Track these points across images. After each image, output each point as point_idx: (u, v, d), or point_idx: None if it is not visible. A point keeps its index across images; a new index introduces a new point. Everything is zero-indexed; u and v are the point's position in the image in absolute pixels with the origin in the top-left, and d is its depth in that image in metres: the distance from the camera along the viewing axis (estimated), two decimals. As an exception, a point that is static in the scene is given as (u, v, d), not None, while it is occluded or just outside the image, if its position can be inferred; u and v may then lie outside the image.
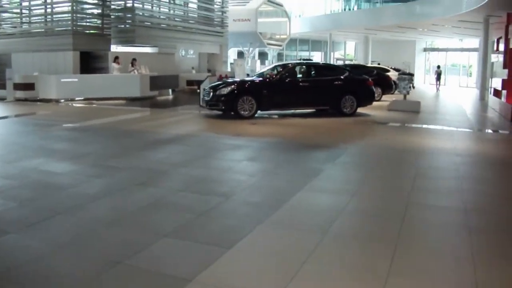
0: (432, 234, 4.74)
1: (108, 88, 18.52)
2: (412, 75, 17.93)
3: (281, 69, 14.42)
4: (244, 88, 13.70)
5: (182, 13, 27.27)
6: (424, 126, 13.64)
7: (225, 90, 13.41)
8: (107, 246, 4.20)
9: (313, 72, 14.81)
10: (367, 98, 15.37)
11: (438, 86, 32.54)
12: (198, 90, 25.66)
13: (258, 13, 33.65)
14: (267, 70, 15.59)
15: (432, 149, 9.60)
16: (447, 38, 39.65)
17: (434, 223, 5.02)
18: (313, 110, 15.02)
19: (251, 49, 35.88)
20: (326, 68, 15.70)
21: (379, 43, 42.25)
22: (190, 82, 25.43)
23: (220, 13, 30.37)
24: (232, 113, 13.54)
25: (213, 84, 14.29)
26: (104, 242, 4.29)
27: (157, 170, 7.05)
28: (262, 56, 48.88)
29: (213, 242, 4.27)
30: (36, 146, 9.15)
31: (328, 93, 14.60)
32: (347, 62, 42.36)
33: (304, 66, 15.14)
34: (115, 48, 23.27)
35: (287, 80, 14.15)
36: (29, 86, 18.28)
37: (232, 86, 13.54)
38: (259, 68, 35.10)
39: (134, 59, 20.80)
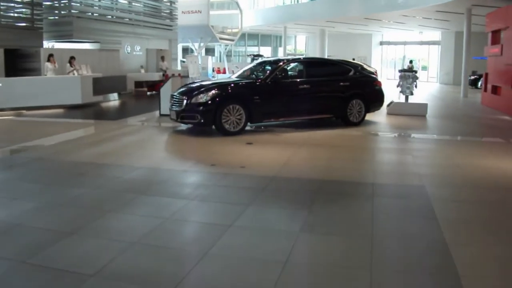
0: None
1: (41, 94, 14.50)
2: (416, 72, 14.90)
3: (273, 68, 10.94)
4: (230, 94, 10.21)
5: (127, 3, 23.30)
6: (460, 138, 10.73)
7: (204, 97, 9.90)
8: None
9: (312, 71, 11.46)
10: (377, 102, 12.33)
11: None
12: (149, 93, 22.05)
13: (209, 4, 30.00)
14: (248, 69, 12.16)
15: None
16: (406, 31, 37.27)
17: None
18: (307, 119, 11.67)
19: (201, 44, 32.18)
20: (326, 65, 12.24)
21: (334, 36, 39.49)
22: (138, 84, 21.64)
23: (168, 3, 26.60)
24: (214, 127, 10.10)
25: (183, 89, 10.76)
26: None
27: (159, 272, 3.53)
28: (208, 52, 45.08)
29: None
30: None
31: (333, 97, 11.41)
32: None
33: (301, 64, 11.70)
34: (48, 45, 19.21)
35: (283, 82, 10.79)
36: None
37: (214, 92, 10.00)
38: (211, 65, 31.58)
39: (72, 58, 16.87)
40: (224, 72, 37.67)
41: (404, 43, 40.31)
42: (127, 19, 22.50)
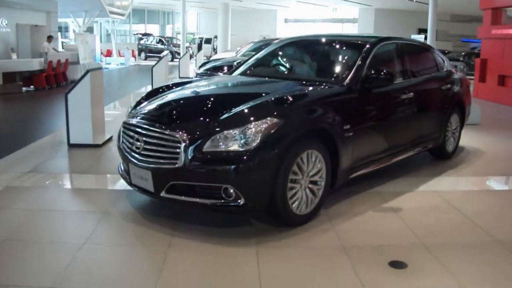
0: None
1: None
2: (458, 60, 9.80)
3: (361, 60, 4.67)
4: (304, 123, 3.88)
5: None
6: None
7: (245, 136, 3.55)
8: None
9: (408, 66, 5.48)
10: (468, 114, 6.92)
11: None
12: (24, 89, 14.59)
13: (97, -33, 22.62)
14: (247, 53, 5.93)
15: None
16: (317, 6, 32.32)
17: None
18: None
19: (86, 19, 24.62)
20: (419, 53, 6.07)
21: (236, 13, 33.61)
22: (9, 76, 14.00)
23: (44, -37, 18.93)
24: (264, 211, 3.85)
25: (165, 106, 4.29)
26: None
27: None
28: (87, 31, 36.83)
29: None
30: None
31: (436, 113, 5.87)
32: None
33: (390, 49, 5.38)
34: None
35: (381, 90, 4.75)
36: None
37: (269, 120, 3.65)
38: (99, 47, 24.16)
39: None
40: (110, 55, 30.34)
41: (313, 21, 35.48)
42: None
